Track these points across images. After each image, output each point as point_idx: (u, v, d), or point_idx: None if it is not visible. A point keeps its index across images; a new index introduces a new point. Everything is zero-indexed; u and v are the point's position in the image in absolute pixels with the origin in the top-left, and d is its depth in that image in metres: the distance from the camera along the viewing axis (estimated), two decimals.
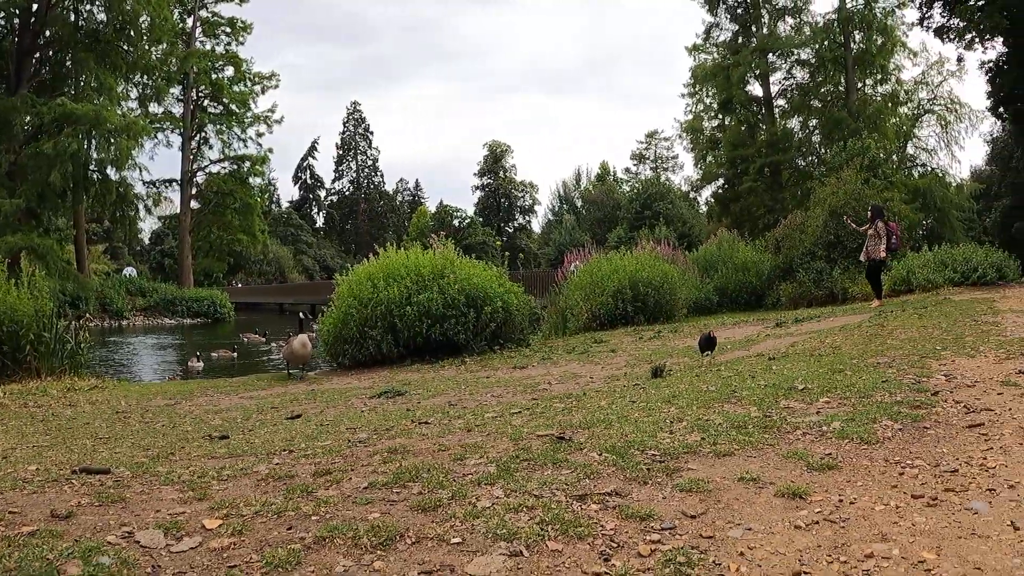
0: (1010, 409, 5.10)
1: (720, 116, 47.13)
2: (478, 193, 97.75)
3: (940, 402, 5.36)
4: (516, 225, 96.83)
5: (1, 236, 33.27)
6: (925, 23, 27.44)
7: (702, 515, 3.51)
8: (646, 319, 16.86)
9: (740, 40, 44.44)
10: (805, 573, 2.93)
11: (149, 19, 43.64)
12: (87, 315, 35.16)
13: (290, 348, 11.43)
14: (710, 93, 46.68)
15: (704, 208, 55.18)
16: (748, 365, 8.09)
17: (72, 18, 42.95)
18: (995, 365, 6.60)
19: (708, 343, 9.55)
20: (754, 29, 44.11)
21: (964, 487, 3.75)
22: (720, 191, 47.25)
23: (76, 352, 12.27)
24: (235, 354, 21.77)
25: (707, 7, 45.07)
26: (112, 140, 40.49)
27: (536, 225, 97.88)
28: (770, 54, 43.28)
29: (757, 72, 43.83)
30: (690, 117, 48.98)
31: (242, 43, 60.57)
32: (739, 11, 44.54)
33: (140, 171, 47.93)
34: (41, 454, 5.61)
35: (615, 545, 3.20)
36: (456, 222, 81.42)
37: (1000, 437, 4.53)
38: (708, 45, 46.11)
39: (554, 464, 4.30)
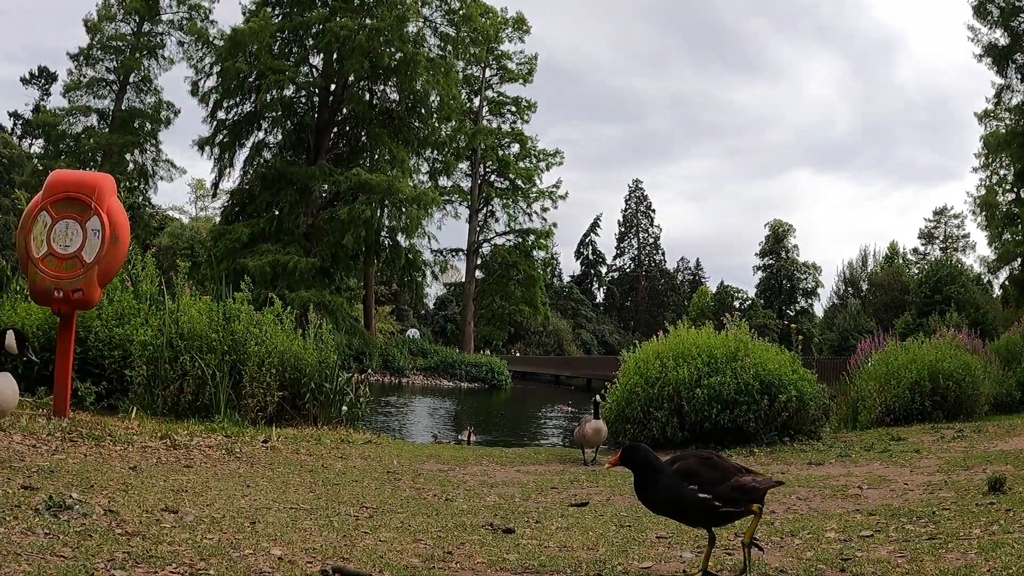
0: None
1: (1016, 189, 41.98)
2: (759, 274, 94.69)
3: None
4: (798, 308, 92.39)
5: (295, 291, 35.77)
6: None
7: None
8: (944, 415, 14.72)
9: None
10: None
11: (438, 99, 46.64)
12: (369, 370, 36.84)
13: (583, 431, 10.71)
14: (1004, 163, 41.90)
15: (999, 292, 49.56)
16: None
17: (367, 97, 46.65)
18: None
19: None
20: None
21: None
22: (1018, 273, 42.18)
23: (355, 405, 12.24)
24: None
25: (995, 68, 40.06)
26: (403, 209, 43.16)
27: (818, 309, 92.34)
28: None
29: None
30: (983, 191, 44.35)
31: (527, 121, 63.32)
32: None
33: (429, 239, 50.87)
34: (296, 522, 4.90)
35: None
36: (737, 303, 79.06)
37: None
38: (999, 110, 41.26)
39: None
